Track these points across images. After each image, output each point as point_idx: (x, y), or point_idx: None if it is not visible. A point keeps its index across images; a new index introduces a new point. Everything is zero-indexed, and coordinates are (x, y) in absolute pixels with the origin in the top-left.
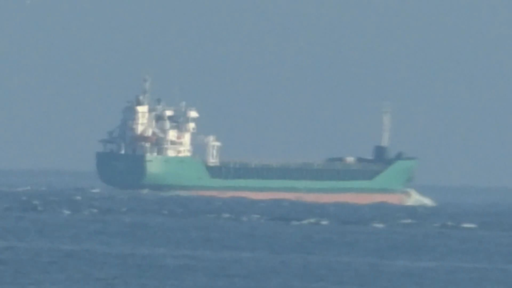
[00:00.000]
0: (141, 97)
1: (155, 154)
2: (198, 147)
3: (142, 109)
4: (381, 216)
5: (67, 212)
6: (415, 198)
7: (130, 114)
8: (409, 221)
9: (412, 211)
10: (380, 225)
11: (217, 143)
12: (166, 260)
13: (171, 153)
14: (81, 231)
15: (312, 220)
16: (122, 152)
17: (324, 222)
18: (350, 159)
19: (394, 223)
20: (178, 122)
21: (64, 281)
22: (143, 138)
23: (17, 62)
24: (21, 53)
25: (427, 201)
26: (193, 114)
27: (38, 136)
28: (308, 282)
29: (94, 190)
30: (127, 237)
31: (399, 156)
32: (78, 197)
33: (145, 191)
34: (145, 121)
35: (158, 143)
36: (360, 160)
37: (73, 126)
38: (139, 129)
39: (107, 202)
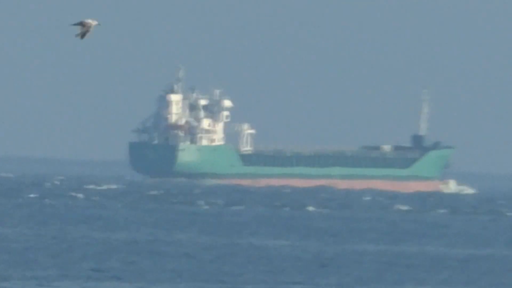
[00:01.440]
0: (175, 86)
1: (188, 143)
2: (232, 136)
3: (176, 98)
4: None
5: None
6: (453, 187)
7: (163, 103)
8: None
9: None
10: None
11: (251, 131)
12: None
13: (204, 142)
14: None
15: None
16: (155, 142)
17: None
18: (386, 147)
19: None
20: (212, 111)
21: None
22: (176, 127)
23: (55, 52)
24: (57, 42)
25: (469, 190)
26: (227, 103)
27: (71, 126)
28: None
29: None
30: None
31: (436, 146)
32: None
33: (180, 179)
34: (178, 110)
35: (191, 132)
36: (397, 148)
37: (107, 116)
38: (173, 118)
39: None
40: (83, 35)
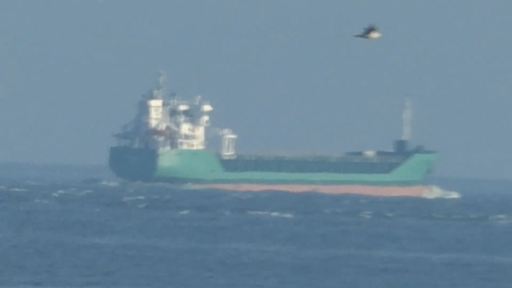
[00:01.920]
0: (155, 92)
1: (168, 147)
2: (213, 141)
3: (156, 103)
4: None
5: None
6: (436, 192)
7: (143, 108)
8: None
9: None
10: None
11: (232, 136)
12: None
13: (184, 146)
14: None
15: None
16: (136, 146)
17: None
18: (370, 153)
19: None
20: (192, 116)
21: None
22: (156, 132)
23: (34, 57)
24: (38, 48)
25: (452, 194)
26: (207, 107)
27: (52, 131)
28: None
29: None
30: None
31: (418, 150)
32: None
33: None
34: (159, 115)
35: (172, 137)
36: (380, 153)
37: (88, 120)
38: (153, 123)
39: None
40: (367, 34)
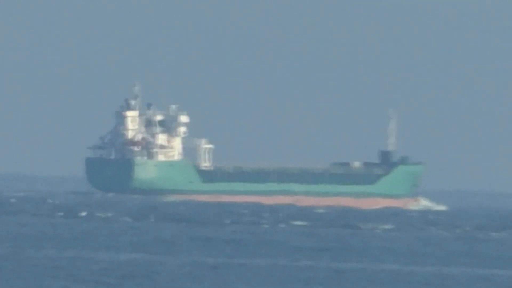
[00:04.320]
0: (131, 102)
1: (144, 158)
2: (191, 151)
3: (132, 114)
4: None
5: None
6: (422, 204)
7: (120, 119)
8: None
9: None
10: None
11: (209, 146)
12: None
13: (161, 157)
14: None
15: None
16: (112, 157)
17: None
18: (356, 164)
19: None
20: (168, 126)
21: None
22: (132, 142)
23: (7, 65)
24: (11, 57)
25: (440, 207)
26: (184, 118)
27: (27, 141)
28: None
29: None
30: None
31: (402, 161)
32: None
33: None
34: (135, 126)
35: (148, 148)
36: (366, 164)
37: (63, 132)
38: (129, 134)
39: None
40: None
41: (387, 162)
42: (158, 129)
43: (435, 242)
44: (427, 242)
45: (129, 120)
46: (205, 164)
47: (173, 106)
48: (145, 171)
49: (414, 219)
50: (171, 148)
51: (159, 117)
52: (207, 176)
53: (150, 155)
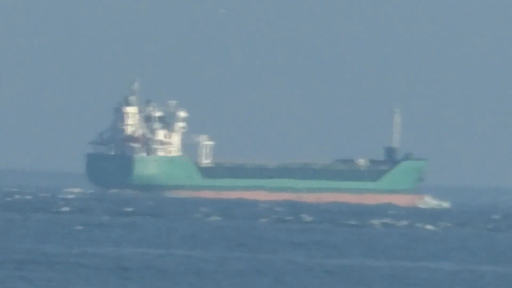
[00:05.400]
0: (130, 98)
1: (144, 154)
2: (191, 147)
3: (131, 110)
4: None
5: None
6: (428, 201)
7: (119, 115)
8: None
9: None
10: None
11: (210, 142)
12: None
13: (160, 153)
14: None
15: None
16: (112, 153)
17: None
18: (361, 161)
19: None
20: (167, 122)
21: None
22: (132, 139)
23: (7, 63)
24: (12, 55)
25: (444, 204)
26: (183, 114)
27: (27, 137)
28: None
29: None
30: None
31: (407, 157)
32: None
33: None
34: (134, 122)
35: (147, 144)
36: (371, 162)
37: (63, 128)
38: (129, 130)
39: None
40: None
41: (392, 159)
42: (157, 124)
43: (439, 239)
44: (430, 238)
45: (128, 116)
46: (206, 161)
47: (172, 102)
48: (145, 167)
49: (420, 216)
50: (170, 144)
51: (158, 113)
52: (207, 172)
53: (150, 151)
